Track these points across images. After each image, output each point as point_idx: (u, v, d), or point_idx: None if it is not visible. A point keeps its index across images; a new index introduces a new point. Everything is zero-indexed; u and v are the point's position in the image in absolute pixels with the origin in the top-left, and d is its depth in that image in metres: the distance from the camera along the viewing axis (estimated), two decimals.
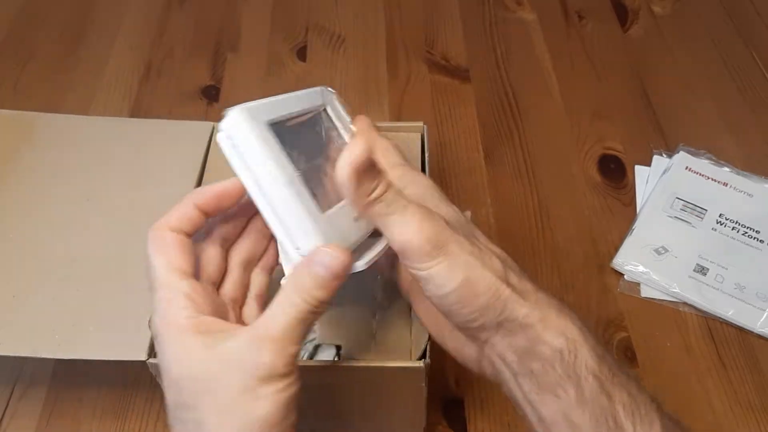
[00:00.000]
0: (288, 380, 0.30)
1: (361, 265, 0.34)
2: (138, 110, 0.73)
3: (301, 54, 0.79)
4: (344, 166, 0.30)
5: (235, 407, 0.29)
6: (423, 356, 0.41)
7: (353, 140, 0.32)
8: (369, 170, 0.31)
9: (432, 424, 0.52)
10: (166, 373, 0.31)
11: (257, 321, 0.31)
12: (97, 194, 0.49)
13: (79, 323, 0.42)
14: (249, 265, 0.37)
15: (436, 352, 0.41)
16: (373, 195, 0.31)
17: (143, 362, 0.40)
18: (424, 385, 0.42)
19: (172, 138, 0.52)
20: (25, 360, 0.54)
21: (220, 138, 0.32)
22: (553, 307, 0.33)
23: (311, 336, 0.44)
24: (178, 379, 0.30)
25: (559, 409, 0.31)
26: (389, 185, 0.31)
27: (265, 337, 0.30)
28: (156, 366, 0.41)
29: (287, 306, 0.31)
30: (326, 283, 0.31)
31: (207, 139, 0.52)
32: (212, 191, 0.34)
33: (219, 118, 0.32)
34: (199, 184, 0.49)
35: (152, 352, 0.41)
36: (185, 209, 0.33)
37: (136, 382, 0.53)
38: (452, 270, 0.31)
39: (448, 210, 0.35)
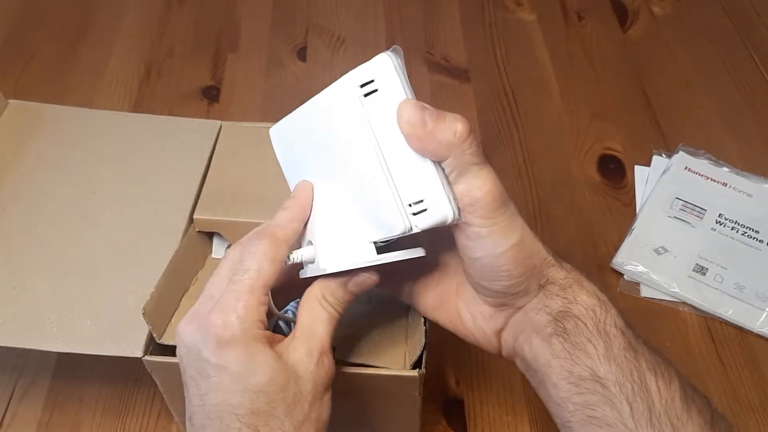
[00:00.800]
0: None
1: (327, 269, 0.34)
2: (138, 110, 0.73)
3: (302, 54, 0.79)
4: (405, 124, 0.30)
5: (310, 413, 0.32)
6: (418, 363, 0.40)
7: (401, 104, 0.31)
8: (439, 114, 0.31)
9: (432, 424, 0.52)
10: (238, 379, 0.31)
11: (300, 332, 0.33)
12: (102, 188, 0.49)
13: (77, 317, 0.43)
14: None
15: (435, 353, 0.41)
16: (460, 131, 0.31)
17: (140, 359, 0.40)
18: (418, 394, 0.42)
19: (179, 135, 0.52)
20: (27, 358, 0.54)
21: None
22: (582, 274, 0.35)
23: None
24: (257, 387, 0.31)
25: (589, 364, 0.32)
26: (471, 129, 0.32)
27: (318, 348, 0.33)
28: (152, 363, 0.41)
29: (323, 317, 0.34)
30: (355, 297, 0.35)
31: (213, 137, 0.52)
32: (305, 208, 0.35)
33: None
34: (202, 182, 0.49)
35: (148, 349, 0.41)
36: (297, 226, 0.35)
37: (137, 380, 0.53)
38: (512, 228, 0.33)
39: None
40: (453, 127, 0.30)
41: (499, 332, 0.37)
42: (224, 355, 0.31)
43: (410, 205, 0.31)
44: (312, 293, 0.34)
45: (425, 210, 0.31)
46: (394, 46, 0.32)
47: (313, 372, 0.32)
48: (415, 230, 0.31)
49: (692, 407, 0.32)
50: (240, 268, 0.33)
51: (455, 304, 0.38)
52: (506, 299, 0.35)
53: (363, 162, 0.32)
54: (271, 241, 0.33)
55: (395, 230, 0.32)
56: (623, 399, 0.32)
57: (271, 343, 0.32)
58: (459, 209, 0.32)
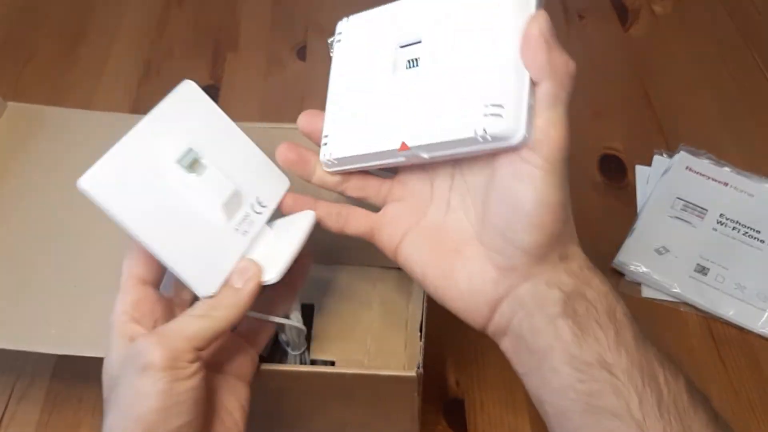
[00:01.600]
0: (170, 376, 0.29)
1: (274, 278, 0.34)
2: (138, 109, 0.72)
3: (301, 53, 0.79)
4: (535, 29, 0.30)
5: (125, 403, 0.30)
6: (417, 367, 0.40)
7: (537, 13, 0.31)
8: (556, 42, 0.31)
9: (432, 424, 0.52)
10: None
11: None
12: None
13: (75, 319, 0.42)
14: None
15: (435, 354, 0.41)
16: (571, 67, 0.31)
17: None
18: (416, 394, 0.42)
19: None
20: (25, 359, 0.54)
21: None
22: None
23: (301, 348, 0.44)
24: (104, 377, 0.33)
25: (597, 350, 0.31)
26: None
27: (155, 333, 0.31)
28: None
29: (187, 313, 0.33)
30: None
31: None
32: None
33: None
34: None
35: None
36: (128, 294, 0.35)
37: None
38: (564, 183, 0.31)
39: None
40: (568, 60, 0.31)
41: (496, 302, 0.34)
42: None
43: (486, 106, 0.30)
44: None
45: (500, 116, 0.30)
46: None
47: (133, 356, 0.31)
48: (481, 133, 0.30)
49: (697, 403, 0.31)
50: None
51: (450, 260, 0.35)
52: (523, 260, 0.32)
53: (462, 46, 0.32)
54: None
55: (464, 132, 0.31)
56: (631, 388, 0.30)
57: (130, 335, 0.33)
58: (528, 137, 0.30)
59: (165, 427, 0.29)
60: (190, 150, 0.36)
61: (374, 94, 0.36)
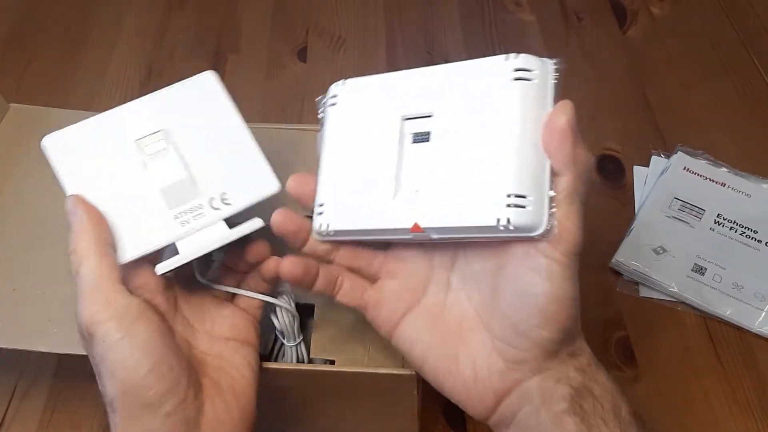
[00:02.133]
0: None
1: (159, 268, 0.36)
2: None
3: (302, 55, 0.79)
4: (562, 120, 0.30)
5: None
6: None
7: (562, 102, 0.31)
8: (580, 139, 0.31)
9: (432, 423, 0.52)
10: None
11: None
12: None
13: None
14: None
15: None
16: (585, 163, 0.30)
17: None
18: (416, 392, 0.42)
19: None
20: (28, 358, 0.54)
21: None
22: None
23: (296, 339, 0.44)
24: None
25: None
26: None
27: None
28: None
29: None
30: None
31: None
32: None
33: None
34: None
35: None
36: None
37: None
38: (575, 277, 0.31)
39: None
40: (589, 154, 0.30)
41: (502, 394, 0.33)
42: None
43: (509, 196, 0.30)
44: None
45: (523, 207, 0.29)
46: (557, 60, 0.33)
47: None
48: (504, 223, 0.29)
49: None
50: None
51: (453, 346, 0.34)
52: (535, 354, 0.32)
53: (480, 135, 0.32)
54: None
55: (485, 220, 0.30)
56: None
57: None
58: (549, 230, 0.30)
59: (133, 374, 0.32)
60: (159, 132, 0.38)
61: (378, 166, 0.35)
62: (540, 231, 0.30)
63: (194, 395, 0.33)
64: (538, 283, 0.30)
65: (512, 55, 0.33)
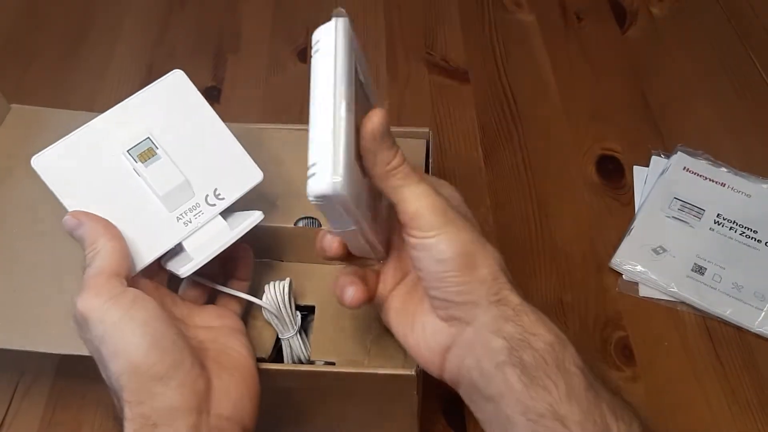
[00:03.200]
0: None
1: (184, 271, 0.38)
2: None
3: (302, 55, 0.79)
4: (370, 130, 0.32)
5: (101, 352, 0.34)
6: (416, 366, 0.40)
7: (374, 110, 0.32)
8: (387, 141, 0.33)
9: (431, 423, 0.52)
10: None
11: None
12: None
13: None
14: None
15: None
16: (392, 164, 0.33)
17: None
18: (416, 393, 0.42)
19: None
20: (28, 357, 0.54)
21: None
22: (538, 310, 0.34)
23: (290, 330, 0.44)
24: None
25: (549, 401, 0.31)
26: (404, 159, 0.34)
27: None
28: None
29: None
30: None
31: None
32: None
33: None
34: None
35: None
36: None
37: None
38: (457, 238, 0.34)
39: (453, 194, 0.38)
40: (388, 158, 0.33)
41: (444, 351, 0.35)
42: None
43: (309, 167, 0.30)
44: None
45: (314, 174, 0.29)
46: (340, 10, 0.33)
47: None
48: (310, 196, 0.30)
49: None
50: None
51: (413, 314, 0.37)
52: (455, 309, 0.34)
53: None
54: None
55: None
56: None
57: None
58: (347, 185, 0.29)
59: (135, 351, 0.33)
60: (147, 139, 0.39)
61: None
62: (334, 191, 0.29)
63: (200, 370, 0.35)
64: (420, 258, 0.34)
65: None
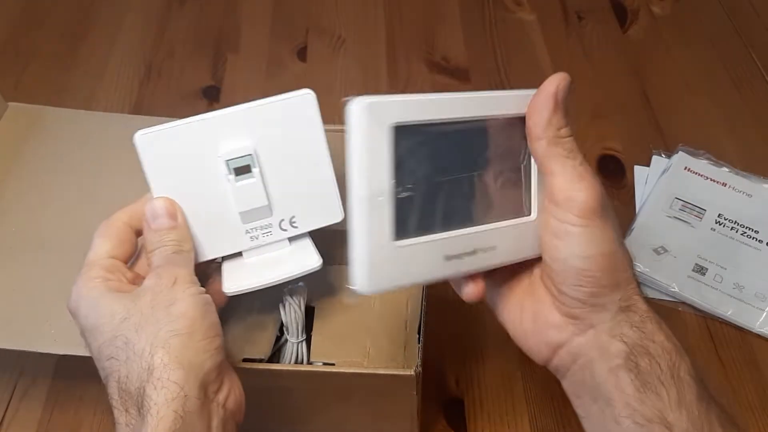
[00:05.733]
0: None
1: (228, 289, 0.39)
2: (138, 110, 0.73)
3: (302, 54, 0.79)
4: (553, 88, 0.32)
5: (159, 317, 0.33)
6: (416, 366, 0.40)
7: (559, 73, 0.32)
8: (563, 106, 0.32)
9: (432, 423, 0.52)
10: (96, 324, 0.34)
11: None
12: (102, 191, 0.49)
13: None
14: None
15: (435, 353, 0.41)
16: (562, 131, 0.32)
17: None
18: (415, 393, 0.42)
19: None
20: (27, 358, 0.54)
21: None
22: (661, 319, 0.34)
23: (300, 338, 0.44)
24: (109, 322, 0.34)
25: (659, 407, 0.31)
26: (573, 134, 0.33)
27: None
28: None
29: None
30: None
31: None
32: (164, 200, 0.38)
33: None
34: None
35: None
36: (139, 207, 0.38)
37: None
38: (606, 235, 0.32)
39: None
40: (560, 124, 0.32)
41: (557, 347, 0.35)
42: (83, 316, 0.35)
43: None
44: None
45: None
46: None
47: (156, 281, 0.35)
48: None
49: None
50: None
51: (521, 300, 0.36)
52: (583, 310, 0.33)
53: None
54: (104, 221, 0.39)
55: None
56: None
57: (117, 289, 0.35)
58: (374, 284, 0.31)
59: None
60: (249, 155, 0.39)
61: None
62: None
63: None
64: (560, 247, 0.32)
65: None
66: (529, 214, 0.35)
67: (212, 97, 0.75)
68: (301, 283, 0.44)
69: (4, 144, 0.52)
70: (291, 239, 0.41)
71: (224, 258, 0.40)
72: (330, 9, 0.85)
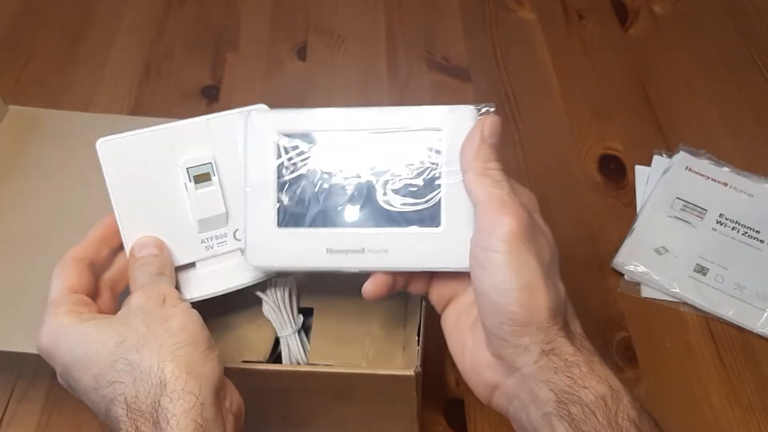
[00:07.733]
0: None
1: (187, 293, 0.40)
2: (138, 110, 0.73)
3: (301, 54, 0.79)
4: (479, 125, 0.34)
5: (158, 334, 0.34)
6: (415, 366, 0.40)
7: (491, 114, 0.35)
8: (493, 143, 0.34)
9: (432, 423, 0.52)
10: (86, 355, 0.34)
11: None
12: (101, 192, 0.49)
13: None
14: (114, 284, 0.41)
15: (435, 353, 0.41)
16: (490, 165, 0.34)
17: None
18: (415, 393, 0.42)
19: None
20: (25, 360, 0.54)
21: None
22: (596, 355, 0.33)
23: (288, 328, 0.44)
24: (102, 349, 0.34)
25: None
26: (503, 170, 0.34)
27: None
28: None
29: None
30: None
31: None
32: (106, 226, 0.40)
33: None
34: None
35: None
36: (91, 238, 0.40)
37: None
38: (528, 266, 0.32)
39: (531, 200, 0.37)
40: (489, 157, 0.35)
41: (493, 387, 0.35)
42: (59, 356, 0.37)
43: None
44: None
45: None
46: None
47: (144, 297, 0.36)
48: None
49: None
50: None
51: (464, 337, 0.37)
52: (507, 351, 0.33)
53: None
54: (59, 263, 0.39)
55: None
56: None
57: (90, 319, 0.36)
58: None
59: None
60: (209, 164, 0.40)
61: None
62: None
63: None
64: (485, 278, 0.33)
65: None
66: (437, 227, 0.36)
67: (211, 97, 0.74)
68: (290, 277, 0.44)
69: (4, 147, 0.51)
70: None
71: (177, 268, 0.41)
72: (330, 8, 0.85)
